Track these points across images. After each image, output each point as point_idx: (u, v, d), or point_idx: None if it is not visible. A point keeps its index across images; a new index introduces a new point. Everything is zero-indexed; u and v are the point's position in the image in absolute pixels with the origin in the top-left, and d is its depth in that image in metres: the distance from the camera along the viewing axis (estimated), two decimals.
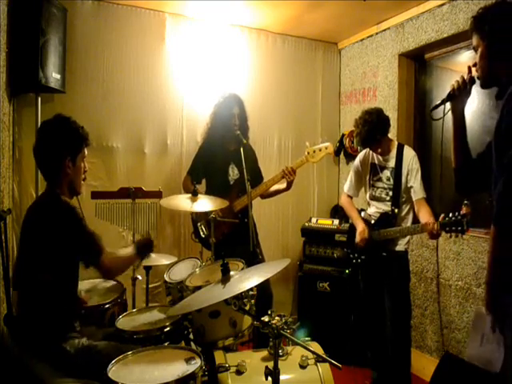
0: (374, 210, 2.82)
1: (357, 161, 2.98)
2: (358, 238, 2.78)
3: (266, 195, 3.17)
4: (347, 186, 3.03)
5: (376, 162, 2.81)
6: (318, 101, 4.27)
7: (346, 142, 4.14)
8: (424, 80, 3.62)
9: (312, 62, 4.23)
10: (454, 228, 2.26)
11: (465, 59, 3.27)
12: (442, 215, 2.36)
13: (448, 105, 1.85)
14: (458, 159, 1.84)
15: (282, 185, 3.06)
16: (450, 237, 2.32)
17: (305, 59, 4.19)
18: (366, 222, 2.82)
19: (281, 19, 3.68)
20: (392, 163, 2.72)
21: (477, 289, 2.89)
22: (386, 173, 2.74)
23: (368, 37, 3.93)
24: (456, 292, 3.05)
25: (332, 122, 4.33)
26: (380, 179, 2.78)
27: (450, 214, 2.32)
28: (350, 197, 3.02)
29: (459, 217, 2.27)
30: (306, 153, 2.94)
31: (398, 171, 2.68)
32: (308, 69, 4.21)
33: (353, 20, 3.69)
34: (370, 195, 2.85)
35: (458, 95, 1.80)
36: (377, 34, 3.82)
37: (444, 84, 3.49)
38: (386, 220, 2.72)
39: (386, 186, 2.75)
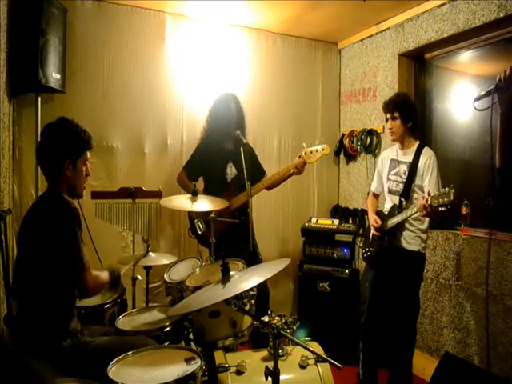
0: (389, 205, 2.85)
1: (379, 158, 3.06)
2: (372, 229, 2.87)
3: (273, 185, 3.16)
4: (372, 184, 3.12)
5: (395, 157, 2.86)
6: (317, 101, 4.27)
7: (346, 142, 4.14)
8: (424, 80, 3.62)
9: (312, 62, 4.23)
10: (441, 200, 2.29)
11: (465, 59, 3.28)
12: None
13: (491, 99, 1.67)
14: (504, 158, 1.64)
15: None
16: (440, 208, 2.30)
17: (305, 59, 4.19)
18: (380, 217, 2.86)
19: (281, 19, 3.68)
20: (410, 158, 2.75)
21: (477, 289, 2.89)
22: (403, 167, 2.78)
23: (368, 37, 3.94)
24: (456, 292, 3.05)
25: (332, 122, 4.33)
26: (397, 173, 2.82)
27: (441, 189, 2.37)
28: (377, 196, 3.08)
29: (447, 189, 2.30)
30: (303, 153, 2.95)
31: (413, 165, 2.71)
32: (308, 69, 4.21)
33: (353, 20, 3.69)
34: (387, 189, 2.89)
35: (507, 86, 1.62)
36: (377, 34, 3.82)
37: (444, 84, 3.50)
38: (394, 211, 2.75)
39: (400, 179, 2.78)
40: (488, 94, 1.69)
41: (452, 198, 2.24)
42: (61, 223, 1.80)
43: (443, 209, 2.29)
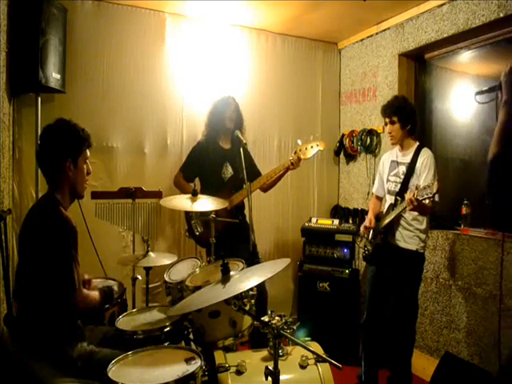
0: (388, 205, 2.87)
1: (380, 161, 3.08)
2: (362, 225, 2.96)
3: (270, 185, 3.17)
4: (374, 186, 3.15)
5: (395, 158, 2.88)
6: (318, 101, 4.27)
7: (346, 142, 4.14)
8: (424, 80, 3.62)
9: (312, 62, 4.23)
10: (425, 193, 2.35)
11: (465, 59, 3.28)
12: None
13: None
14: (499, 145, 1.55)
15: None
16: (423, 200, 2.37)
17: (305, 59, 4.18)
18: (379, 218, 2.89)
19: (281, 19, 3.68)
20: (408, 159, 2.78)
21: (477, 289, 2.89)
22: (402, 168, 2.81)
23: (368, 37, 3.93)
24: (456, 292, 3.05)
25: (332, 122, 4.33)
26: (396, 174, 2.85)
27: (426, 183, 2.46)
28: (380, 198, 3.08)
29: (431, 181, 2.39)
30: (298, 150, 2.96)
31: (411, 166, 2.74)
32: (308, 69, 4.21)
33: (353, 20, 3.69)
34: (387, 190, 2.92)
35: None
36: (377, 34, 3.82)
37: (444, 84, 3.50)
38: (390, 210, 2.77)
39: (398, 180, 2.80)
40: (491, 90, 1.68)
41: (435, 190, 2.30)
42: (57, 242, 1.78)
43: (427, 201, 2.36)
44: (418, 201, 2.40)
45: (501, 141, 1.57)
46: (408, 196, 2.47)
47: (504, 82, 1.60)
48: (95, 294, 1.99)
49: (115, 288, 2.18)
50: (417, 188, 2.43)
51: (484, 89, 1.72)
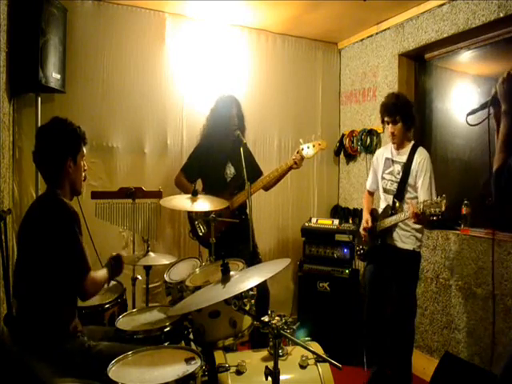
0: (384, 204, 2.87)
1: (374, 156, 3.08)
2: (361, 228, 2.93)
3: (271, 184, 3.17)
4: (367, 181, 3.14)
5: (390, 156, 2.88)
6: (317, 101, 4.27)
7: (346, 142, 4.14)
8: (424, 80, 3.62)
9: (312, 62, 4.23)
10: (433, 210, 2.30)
11: (465, 59, 3.28)
12: None
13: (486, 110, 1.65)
14: (502, 157, 1.55)
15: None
16: (431, 217, 2.32)
17: (305, 59, 4.18)
18: (374, 216, 2.89)
19: (281, 19, 3.68)
20: (404, 158, 2.77)
21: (477, 289, 2.89)
22: (398, 167, 2.80)
23: (368, 37, 3.93)
24: (456, 292, 3.05)
25: (332, 121, 4.33)
26: (391, 172, 2.84)
27: (434, 198, 2.40)
28: (372, 193, 3.09)
29: (439, 198, 2.32)
30: (301, 149, 2.97)
31: (407, 166, 2.73)
32: (308, 69, 4.21)
33: (353, 20, 3.69)
34: (382, 188, 2.91)
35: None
36: (377, 34, 3.82)
37: (444, 84, 3.50)
38: (387, 211, 2.77)
39: (394, 179, 2.80)
40: (483, 107, 1.65)
41: (443, 208, 2.26)
42: (62, 226, 1.79)
43: (434, 218, 2.31)
44: (424, 214, 2.36)
45: (504, 151, 1.55)
46: (413, 209, 2.43)
47: (501, 91, 1.57)
48: (102, 273, 1.97)
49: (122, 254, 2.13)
50: (422, 202, 2.40)
51: (475, 108, 1.68)
